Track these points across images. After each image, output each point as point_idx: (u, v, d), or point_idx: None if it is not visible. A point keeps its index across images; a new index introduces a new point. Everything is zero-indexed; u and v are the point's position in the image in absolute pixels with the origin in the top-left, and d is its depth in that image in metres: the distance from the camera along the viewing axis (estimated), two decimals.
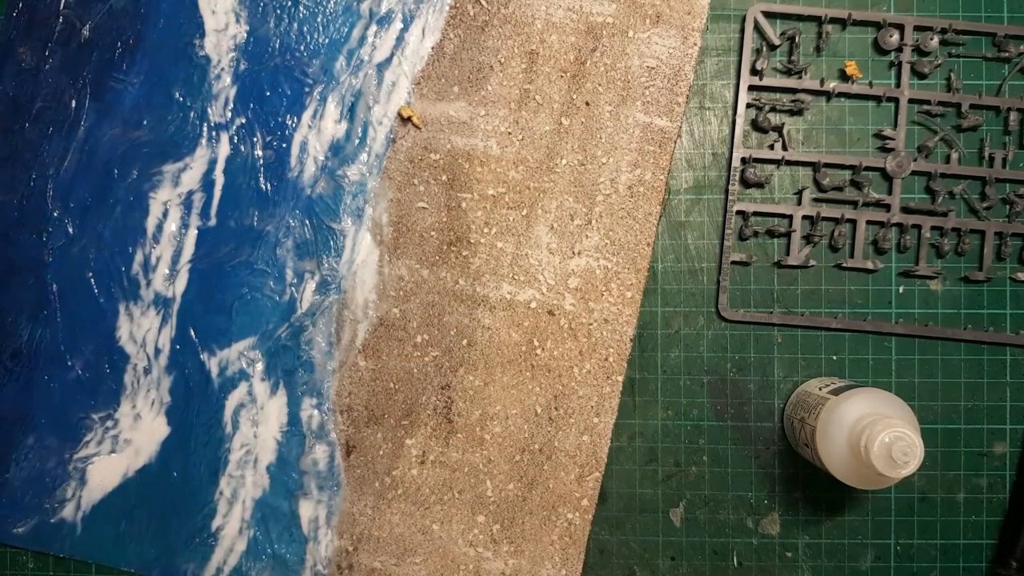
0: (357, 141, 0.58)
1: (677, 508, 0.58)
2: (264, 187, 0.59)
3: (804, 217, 0.58)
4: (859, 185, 0.58)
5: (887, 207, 0.58)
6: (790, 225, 0.58)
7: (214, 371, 0.58)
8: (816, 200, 0.58)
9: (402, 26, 0.58)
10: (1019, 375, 0.58)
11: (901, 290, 0.58)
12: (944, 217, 0.57)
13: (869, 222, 0.58)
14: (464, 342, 0.57)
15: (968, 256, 0.58)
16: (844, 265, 0.58)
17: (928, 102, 0.58)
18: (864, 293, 0.58)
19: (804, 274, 0.58)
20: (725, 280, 0.58)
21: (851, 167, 0.58)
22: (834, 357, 0.58)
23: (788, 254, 0.58)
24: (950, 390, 0.58)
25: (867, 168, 0.58)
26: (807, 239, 0.58)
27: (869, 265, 0.58)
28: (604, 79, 0.57)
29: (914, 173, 0.58)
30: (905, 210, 0.58)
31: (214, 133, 0.59)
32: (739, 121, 0.58)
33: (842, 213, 0.57)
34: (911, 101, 0.58)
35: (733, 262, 0.58)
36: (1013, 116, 0.57)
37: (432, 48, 0.58)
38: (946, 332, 0.57)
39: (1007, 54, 0.57)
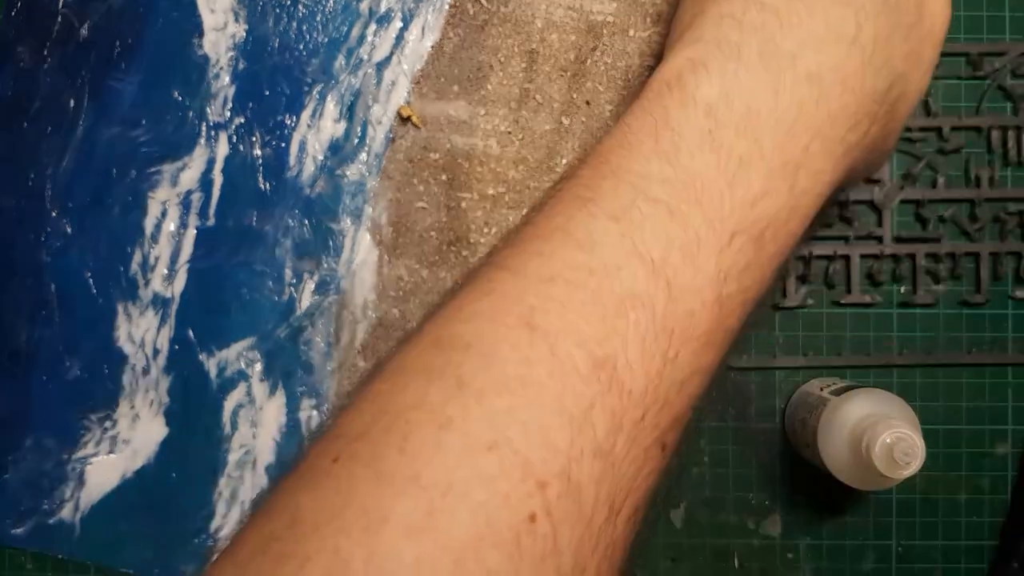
0: (356, 140, 0.58)
1: (677, 509, 0.58)
2: (263, 187, 0.58)
3: (797, 258, 0.57)
4: (849, 221, 0.57)
5: (879, 239, 0.57)
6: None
7: (213, 372, 0.58)
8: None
9: (401, 25, 0.58)
10: (1020, 375, 0.57)
11: (901, 317, 0.57)
12: (937, 243, 0.57)
13: (863, 256, 0.57)
14: None
15: (965, 278, 0.57)
16: (842, 302, 0.57)
17: (909, 128, 0.57)
18: (865, 337, 0.58)
19: (804, 314, 0.58)
20: None
21: (839, 203, 0.57)
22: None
23: (785, 296, 0.57)
24: (952, 390, 0.57)
25: (855, 201, 0.57)
26: (802, 279, 0.57)
27: (867, 299, 0.57)
28: (605, 78, 0.57)
29: (902, 202, 0.57)
30: (898, 240, 0.57)
31: (213, 132, 0.58)
32: None
33: (834, 250, 0.57)
34: None
35: None
36: (995, 135, 0.57)
37: (432, 47, 0.58)
38: (950, 358, 0.57)
39: (983, 72, 0.57)
